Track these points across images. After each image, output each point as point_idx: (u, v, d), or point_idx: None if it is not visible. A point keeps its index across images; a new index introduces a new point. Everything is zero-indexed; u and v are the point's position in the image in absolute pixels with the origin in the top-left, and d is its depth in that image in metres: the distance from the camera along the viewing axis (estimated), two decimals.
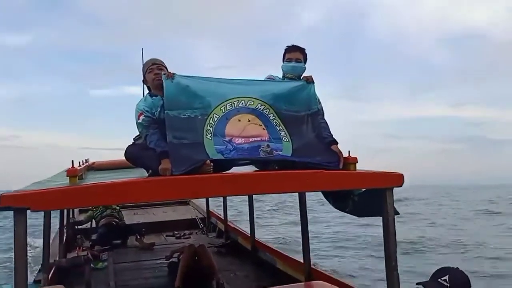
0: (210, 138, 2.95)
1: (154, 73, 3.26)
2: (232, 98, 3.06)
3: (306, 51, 3.55)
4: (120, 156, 3.46)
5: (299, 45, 3.57)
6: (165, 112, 2.92)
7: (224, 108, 3.03)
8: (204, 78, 3.11)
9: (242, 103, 3.08)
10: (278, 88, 3.24)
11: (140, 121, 3.09)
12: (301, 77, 3.40)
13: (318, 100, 3.39)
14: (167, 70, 3.39)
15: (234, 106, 3.06)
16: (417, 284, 2.58)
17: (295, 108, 3.19)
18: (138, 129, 3.16)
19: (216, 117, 3.00)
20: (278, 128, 3.09)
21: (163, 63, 3.39)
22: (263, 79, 3.45)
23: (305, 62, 3.53)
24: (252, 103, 3.10)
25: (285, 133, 3.08)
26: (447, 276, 2.49)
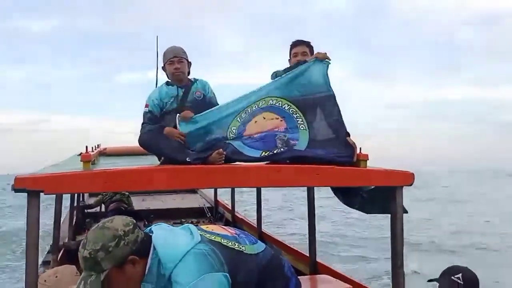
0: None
1: (175, 67, 3.32)
2: (244, 109, 3.09)
3: (312, 44, 3.49)
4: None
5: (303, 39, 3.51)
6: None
7: (239, 118, 3.07)
8: (211, 109, 3.15)
9: (255, 107, 3.10)
10: (286, 78, 3.15)
11: (144, 110, 3.24)
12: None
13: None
14: (187, 61, 3.40)
15: (248, 113, 3.09)
16: (429, 281, 2.59)
17: (310, 90, 3.11)
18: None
19: (234, 129, 3.05)
20: (295, 116, 3.07)
21: (185, 53, 3.41)
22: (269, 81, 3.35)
23: (312, 55, 3.47)
24: (264, 102, 3.11)
25: (302, 120, 3.07)
26: (460, 274, 2.54)
